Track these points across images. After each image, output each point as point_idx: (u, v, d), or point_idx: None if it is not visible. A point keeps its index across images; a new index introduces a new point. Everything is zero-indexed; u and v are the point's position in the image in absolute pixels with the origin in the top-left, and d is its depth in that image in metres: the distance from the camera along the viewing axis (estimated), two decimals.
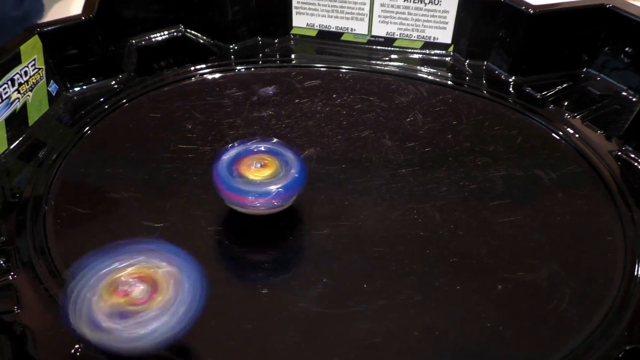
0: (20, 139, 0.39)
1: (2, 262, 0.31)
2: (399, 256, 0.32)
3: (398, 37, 0.48)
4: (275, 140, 0.34)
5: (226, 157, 0.33)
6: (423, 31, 0.48)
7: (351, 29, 0.49)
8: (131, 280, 0.25)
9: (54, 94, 0.41)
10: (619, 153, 0.38)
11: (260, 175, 0.32)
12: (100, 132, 0.40)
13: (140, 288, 0.24)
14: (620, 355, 0.26)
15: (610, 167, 0.37)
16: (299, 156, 0.33)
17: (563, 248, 0.32)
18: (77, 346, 0.26)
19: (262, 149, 0.33)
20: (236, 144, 0.33)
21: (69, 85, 0.43)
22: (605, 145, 0.39)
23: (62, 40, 0.41)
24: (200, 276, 0.25)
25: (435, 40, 0.48)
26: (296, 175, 0.32)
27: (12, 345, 0.26)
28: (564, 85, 0.44)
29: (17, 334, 0.27)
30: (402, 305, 0.30)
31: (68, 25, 0.41)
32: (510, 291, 0.30)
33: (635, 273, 0.30)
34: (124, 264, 0.25)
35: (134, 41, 0.47)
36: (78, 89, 0.43)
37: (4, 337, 0.26)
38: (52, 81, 0.41)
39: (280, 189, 0.31)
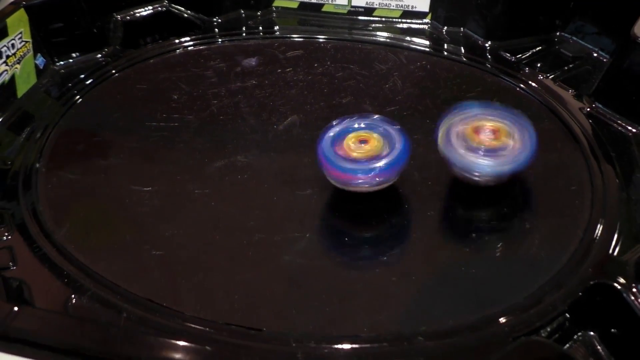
0: (10, 110, 0.39)
1: None
2: (379, 212, 0.34)
3: (377, 6, 0.50)
4: (376, 116, 0.34)
5: (330, 135, 0.33)
6: (401, 0, 0.49)
7: (331, 0, 0.50)
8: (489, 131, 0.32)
9: (41, 67, 0.42)
10: (589, 110, 0.40)
11: (363, 152, 0.31)
12: (88, 103, 0.42)
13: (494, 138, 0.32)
14: (585, 289, 0.28)
15: (581, 123, 0.39)
16: (402, 130, 0.33)
17: (535, 197, 0.34)
18: (72, 296, 0.28)
19: (363, 125, 0.33)
20: (336, 122, 0.33)
21: (56, 59, 0.44)
22: (576, 103, 0.40)
23: (47, 13, 0.42)
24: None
25: (414, 9, 0.49)
26: (400, 149, 0.31)
27: (9, 294, 0.27)
28: (538, 48, 0.46)
29: (13, 287, 0.28)
30: (381, 255, 0.31)
31: None
32: (484, 238, 0.32)
33: (600, 217, 0.32)
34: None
35: (119, 16, 0.48)
36: (65, 62, 0.44)
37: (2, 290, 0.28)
38: (39, 54, 0.42)
39: (383, 166, 0.31)
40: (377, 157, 0.31)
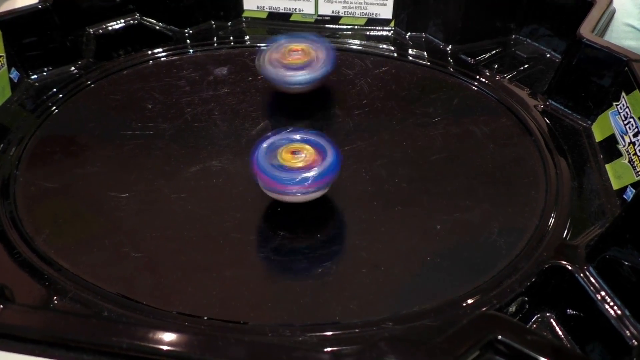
0: None
1: None
2: (349, 209, 0.35)
3: (343, 15, 0.52)
4: (310, 131, 0.35)
5: (265, 145, 0.33)
6: (365, 8, 0.51)
7: (299, 10, 0.52)
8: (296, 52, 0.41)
9: (15, 81, 0.43)
10: (543, 107, 0.42)
11: (297, 162, 0.32)
12: (63, 114, 0.42)
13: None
14: (540, 272, 0.30)
15: (536, 119, 0.41)
16: (333, 144, 0.34)
17: (494, 190, 0.36)
18: (54, 298, 0.29)
19: (298, 137, 0.34)
20: (272, 134, 0.34)
21: (30, 72, 0.45)
22: (531, 101, 0.43)
23: (20, 28, 0.43)
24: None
25: (377, 17, 0.51)
26: (332, 161, 0.32)
27: None
28: (495, 50, 0.48)
29: None
30: (352, 249, 0.33)
31: (25, 14, 0.43)
32: (447, 230, 0.33)
33: (554, 205, 0.34)
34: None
35: (91, 30, 0.49)
36: (39, 75, 0.45)
37: None
38: (13, 68, 0.43)
39: (316, 176, 0.32)
40: (309, 167, 0.32)
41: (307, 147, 0.33)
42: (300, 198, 0.32)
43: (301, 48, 0.41)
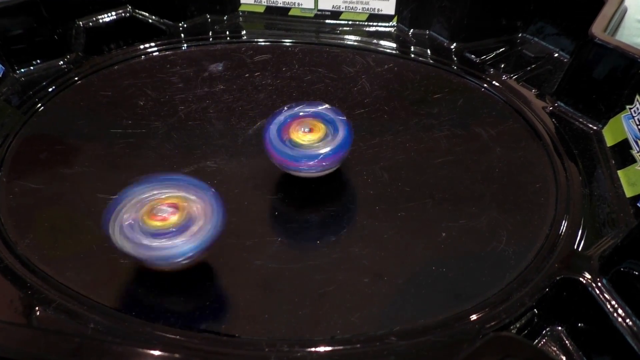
0: None
1: None
2: (350, 214, 0.34)
3: (344, 10, 0.50)
4: (324, 105, 0.35)
5: (275, 122, 0.34)
6: (367, 3, 0.49)
7: (298, 4, 0.50)
8: (166, 207, 0.28)
9: (0, 75, 0.41)
10: (551, 109, 0.41)
11: (308, 139, 0.33)
12: (50, 111, 0.41)
13: (175, 215, 0.28)
14: (551, 285, 0.28)
15: (544, 121, 0.39)
16: (346, 119, 0.34)
17: (501, 196, 0.34)
18: (37, 308, 0.27)
19: (310, 112, 0.34)
20: (284, 110, 0.34)
21: (16, 67, 0.43)
22: (539, 102, 0.41)
23: (6, 20, 0.41)
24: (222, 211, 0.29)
25: (380, 12, 0.50)
26: (344, 136, 0.33)
27: None
28: (501, 49, 0.47)
29: None
30: (353, 257, 0.31)
31: (11, 5, 0.41)
32: (453, 238, 0.32)
33: (565, 213, 0.33)
34: (162, 192, 0.29)
35: (81, 22, 0.47)
36: (26, 69, 0.43)
37: None
38: None
39: (329, 151, 0.32)
40: (322, 144, 0.33)
41: (318, 123, 0.34)
42: (313, 174, 0.33)
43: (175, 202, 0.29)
